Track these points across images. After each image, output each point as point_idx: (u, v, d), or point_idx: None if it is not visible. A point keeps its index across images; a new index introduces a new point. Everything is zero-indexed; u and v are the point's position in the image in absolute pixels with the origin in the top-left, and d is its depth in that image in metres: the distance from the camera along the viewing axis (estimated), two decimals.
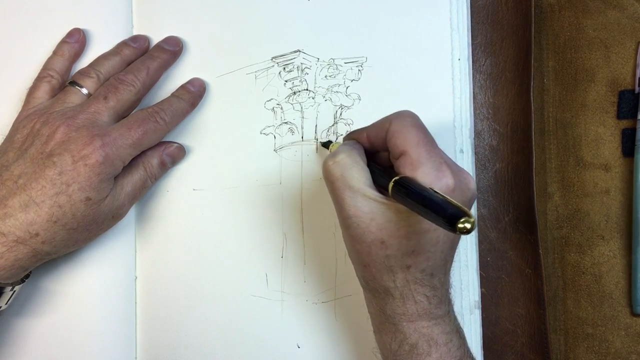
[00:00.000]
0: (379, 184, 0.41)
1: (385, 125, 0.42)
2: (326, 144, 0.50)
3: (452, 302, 0.44)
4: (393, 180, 0.39)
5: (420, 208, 0.36)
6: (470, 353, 0.44)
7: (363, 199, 0.40)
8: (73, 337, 0.51)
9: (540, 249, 0.50)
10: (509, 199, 0.52)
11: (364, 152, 0.43)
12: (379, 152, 0.45)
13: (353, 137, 0.45)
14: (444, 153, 0.41)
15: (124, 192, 0.48)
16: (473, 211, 0.50)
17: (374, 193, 0.40)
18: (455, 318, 0.44)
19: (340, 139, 0.51)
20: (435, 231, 0.40)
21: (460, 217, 0.32)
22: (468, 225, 0.32)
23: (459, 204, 0.34)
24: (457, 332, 0.43)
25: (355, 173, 0.41)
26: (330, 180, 0.41)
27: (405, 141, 0.40)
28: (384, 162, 0.44)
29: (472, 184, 0.41)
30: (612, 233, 0.51)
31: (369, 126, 0.44)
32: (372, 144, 0.44)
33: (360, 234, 0.40)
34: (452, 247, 0.42)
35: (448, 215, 0.33)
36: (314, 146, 0.52)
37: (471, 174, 0.50)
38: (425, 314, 0.41)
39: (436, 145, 0.41)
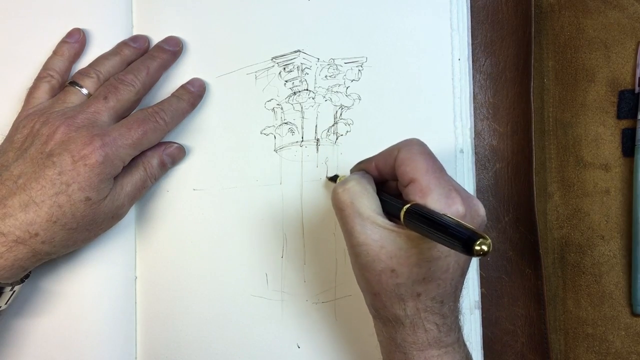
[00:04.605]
0: (389, 213, 0.41)
1: (393, 153, 0.42)
2: (333, 179, 0.50)
3: (462, 328, 0.44)
4: (406, 207, 0.39)
5: (435, 233, 0.36)
6: None
7: (373, 226, 0.40)
8: (73, 337, 0.51)
9: (540, 249, 0.50)
10: (509, 199, 0.52)
11: (373, 181, 0.43)
12: (388, 182, 0.45)
13: (361, 168, 0.45)
14: (453, 180, 0.41)
15: (123, 192, 0.48)
16: None
17: (384, 221, 0.40)
18: (464, 344, 0.43)
19: (342, 149, 0.51)
20: (446, 258, 0.39)
21: (476, 240, 0.32)
22: (485, 247, 0.32)
23: (474, 228, 0.34)
24: None
25: (365, 200, 0.41)
26: (340, 208, 0.41)
27: (414, 169, 0.40)
28: (393, 191, 0.44)
29: (482, 210, 0.41)
30: (612, 233, 0.51)
31: (376, 155, 0.44)
32: (380, 173, 0.44)
33: (370, 263, 0.40)
34: (463, 273, 0.42)
35: (464, 239, 0.33)
36: (315, 146, 0.52)
37: (471, 174, 0.50)
38: (435, 343, 0.41)
39: (445, 172, 0.41)
